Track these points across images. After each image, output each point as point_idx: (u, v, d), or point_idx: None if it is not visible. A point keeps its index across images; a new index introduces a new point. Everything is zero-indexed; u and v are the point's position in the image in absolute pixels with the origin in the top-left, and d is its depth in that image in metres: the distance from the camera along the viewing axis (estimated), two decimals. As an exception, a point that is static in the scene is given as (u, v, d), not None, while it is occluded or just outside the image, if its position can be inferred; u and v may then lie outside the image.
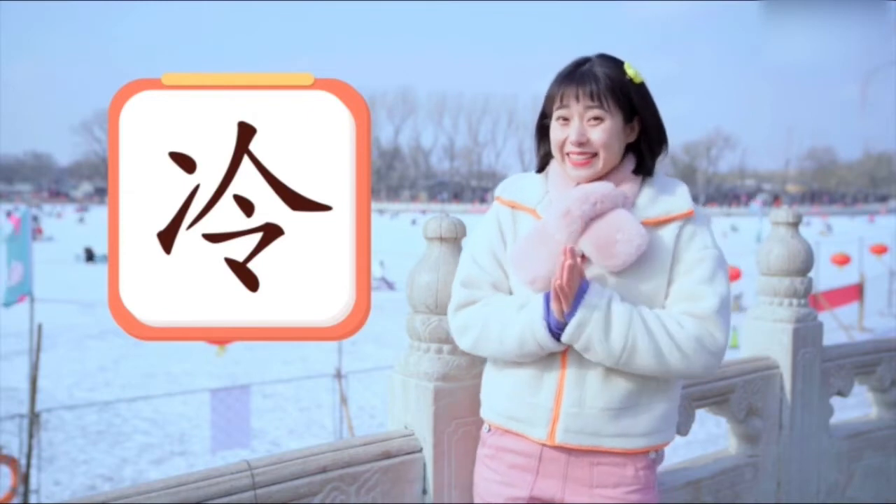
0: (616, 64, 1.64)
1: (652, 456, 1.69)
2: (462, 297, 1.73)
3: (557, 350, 1.62)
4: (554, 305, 1.57)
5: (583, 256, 1.61)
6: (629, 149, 1.68)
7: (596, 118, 1.61)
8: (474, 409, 1.88)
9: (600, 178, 1.65)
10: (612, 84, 1.60)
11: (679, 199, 1.66)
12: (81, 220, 59.06)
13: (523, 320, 1.62)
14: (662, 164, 1.73)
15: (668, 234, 1.63)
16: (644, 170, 1.68)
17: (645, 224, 1.61)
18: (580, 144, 1.61)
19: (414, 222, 59.41)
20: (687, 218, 1.65)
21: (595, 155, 1.62)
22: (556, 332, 1.59)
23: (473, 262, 1.75)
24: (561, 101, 1.63)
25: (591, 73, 1.61)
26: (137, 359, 12.76)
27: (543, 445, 1.67)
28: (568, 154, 1.64)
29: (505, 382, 1.72)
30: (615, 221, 1.58)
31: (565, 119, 1.63)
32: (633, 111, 1.64)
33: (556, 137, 1.65)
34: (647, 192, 1.66)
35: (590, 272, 1.61)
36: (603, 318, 1.55)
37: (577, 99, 1.61)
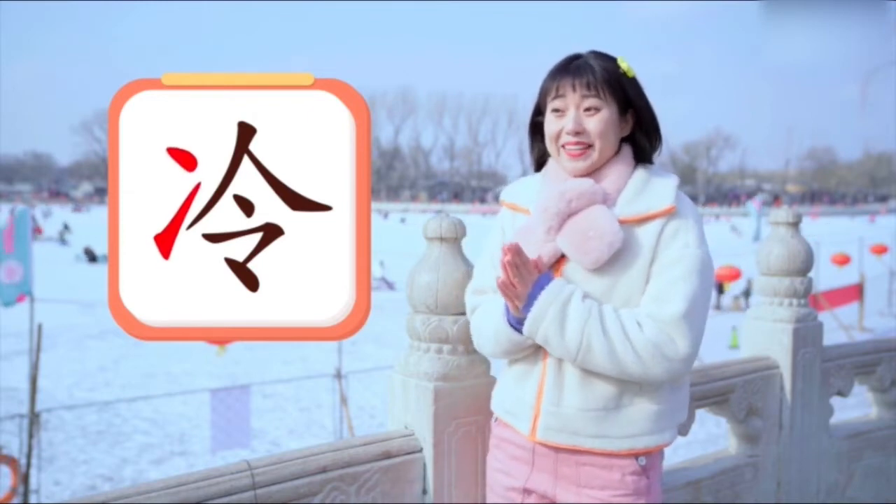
0: (609, 58, 1.66)
1: (642, 462, 1.64)
2: (470, 304, 1.82)
3: (529, 343, 1.64)
4: (509, 305, 1.62)
5: (563, 256, 1.62)
6: (625, 142, 1.69)
7: (592, 108, 1.61)
8: (474, 409, 1.89)
9: (596, 170, 1.65)
10: (607, 76, 1.62)
11: (662, 195, 1.62)
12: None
13: (494, 318, 1.68)
14: (659, 161, 1.73)
15: (648, 232, 1.60)
16: (643, 158, 1.69)
17: (624, 222, 1.59)
18: (577, 133, 1.61)
19: (403, 220, 60.75)
20: (670, 215, 1.61)
21: (591, 146, 1.62)
22: (516, 326, 1.63)
23: (480, 269, 1.83)
24: (556, 91, 1.63)
25: (586, 64, 1.63)
26: (137, 359, 12.76)
27: (534, 444, 1.69)
28: (563, 146, 1.64)
29: (505, 375, 1.77)
30: (589, 218, 1.58)
31: (560, 111, 1.64)
32: (627, 103, 1.65)
33: (550, 129, 1.65)
34: (632, 188, 1.64)
35: (569, 270, 1.62)
36: (558, 314, 1.55)
37: (574, 89, 1.61)
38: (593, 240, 1.56)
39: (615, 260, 1.58)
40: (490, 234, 1.83)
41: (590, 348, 1.54)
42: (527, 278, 1.56)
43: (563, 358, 1.60)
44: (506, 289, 1.57)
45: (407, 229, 46.90)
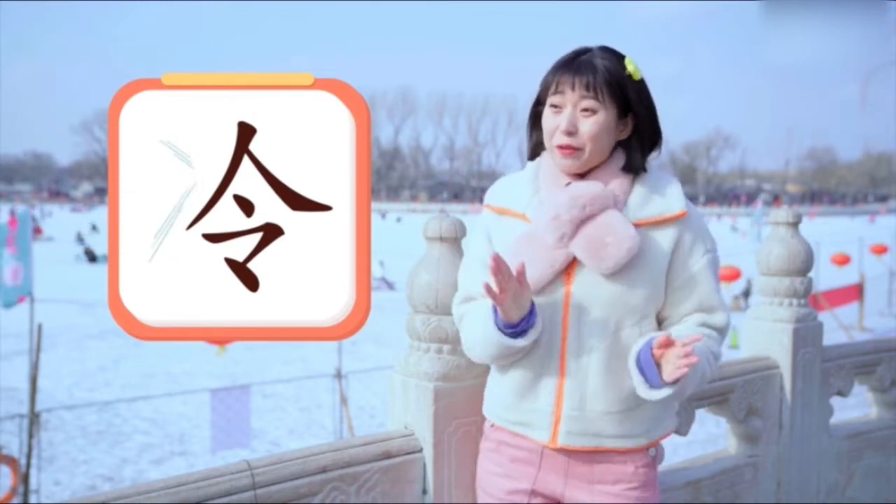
0: (617, 57, 1.62)
1: (651, 453, 1.70)
2: (457, 314, 1.78)
3: (517, 347, 1.60)
4: (499, 309, 1.57)
5: (574, 259, 1.61)
6: (621, 145, 1.66)
7: (589, 109, 1.58)
8: (474, 409, 1.88)
9: (588, 171, 1.64)
10: (609, 77, 1.57)
11: (672, 199, 1.64)
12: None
13: (482, 324, 1.64)
14: (657, 163, 1.71)
15: (663, 237, 1.62)
16: (633, 167, 1.65)
17: (638, 225, 1.59)
18: (569, 134, 1.58)
19: (399, 220, 61.95)
20: (682, 220, 1.63)
21: (582, 148, 1.59)
22: (503, 330, 1.58)
23: (466, 276, 1.78)
24: (556, 87, 1.60)
25: (589, 63, 1.59)
26: (137, 359, 12.75)
27: (545, 447, 1.68)
28: (557, 144, 1.61)
29: (505, 387, 1.72)
30: (605, 224, 1.57)
31: (558, 107, 1.61)
32: (628, 107, 1.61)
33: (547, 125, 1.63)
34: (639, 192, 1.64)
35: (582, 275, 1.60)
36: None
37: (573, 88, 1.58)
38: (611, 245, 1.55)
39: (629, 264, 1.57)
40: (474, 241, 1.78)
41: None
42: (513, 289, 1.52)
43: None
44: (494, 296, 1.52)
45: (402, 228, 47.16)
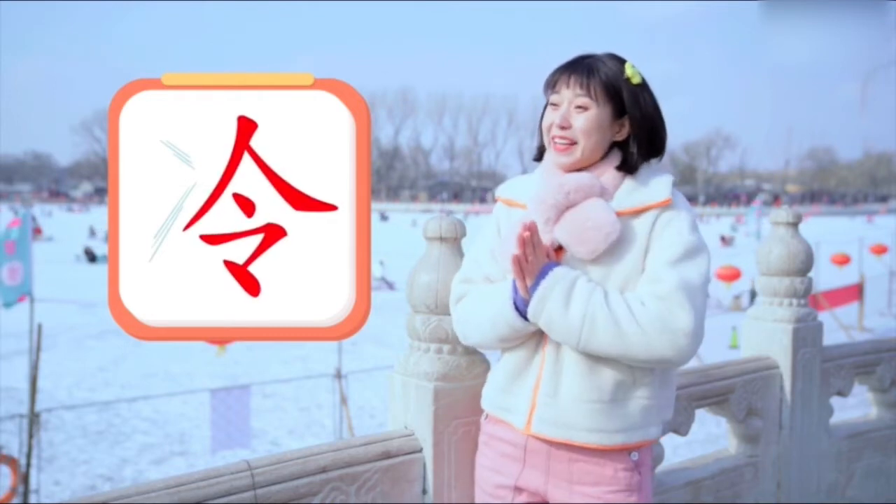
0: (617, 61, 1.67)
1: (634, 457, 1.66)
2: (458, 291, 1.81)
3: (527, 330, 1.65)
4: (518, 283, 1.61)
5: (560, 247, 1.64)
6: (618, 147, 1.69)
7: (582, 106, 1.63)
8: (474, 409, 1.89)
9: (582, 168, 1.67)
10: (604, 77, 1.63)
11: (658, 189, 1.65)
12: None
13: (495, 303, 1.67)
14: (658, 165, 1.73)
15: (643, 222, 1.63)
16: (627, 167, 1.67)
17: (621, 214, 1.62)
18: (562, 128, 1.64)
19: (387, 219, 63.58)
20: (665, 207, 1.64)
21: (575, 143, 1.64)
22: (522, 310, 1.62)
23: (471, 259, 1.83)
24: (554, 87, 1.68)
25: (587, 64, 1.66)
26: (137, 359, 12.75)
27: (525, 435, 1.69)
28: (553, 139, 1.67)
29: (498, 372, 1.77)
30: (586, 210, 1.61)
31: (556, 105, 1.67)
32: (624, 108, 1.65)
33: (545, 122, 1.70)
34: (628, 185, 1.67)
35: (565, 261, 1.64)
36: (564, 292, 1.57)
37: (568, 85, 1.65)
38: (591, 230, 1.58)
39: (612, 250, 1.61)
40: (484, 228, 1.83)
41: (594, 326, 1.55)
42: (539, 256, 1.59)
43: (565, 341, 1.60)
44: (519, 263, 1.58)
45: (390, 227, 47.46)
